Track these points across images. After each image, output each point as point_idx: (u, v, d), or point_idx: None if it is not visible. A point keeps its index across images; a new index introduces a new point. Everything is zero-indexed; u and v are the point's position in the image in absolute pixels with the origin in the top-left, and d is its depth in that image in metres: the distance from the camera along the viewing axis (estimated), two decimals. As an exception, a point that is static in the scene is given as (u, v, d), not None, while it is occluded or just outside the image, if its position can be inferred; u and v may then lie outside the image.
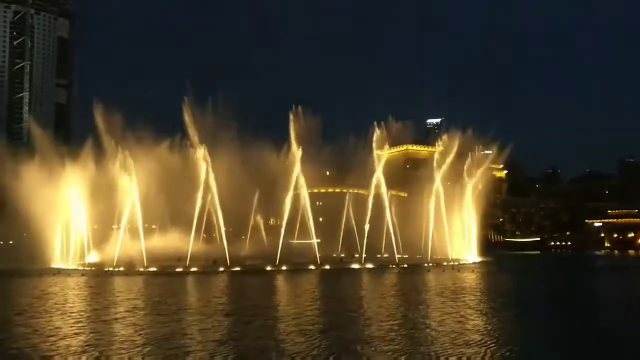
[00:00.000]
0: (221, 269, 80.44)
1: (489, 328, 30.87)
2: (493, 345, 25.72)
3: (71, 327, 31.20)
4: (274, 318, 35.09)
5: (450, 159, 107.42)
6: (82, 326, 31.67)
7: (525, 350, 25.37)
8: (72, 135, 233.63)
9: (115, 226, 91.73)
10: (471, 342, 26.24)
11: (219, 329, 30.87)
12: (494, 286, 61.37)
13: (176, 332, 29.62)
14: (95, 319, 35.06)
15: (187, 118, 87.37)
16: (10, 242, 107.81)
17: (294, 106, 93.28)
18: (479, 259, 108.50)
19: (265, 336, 28.62)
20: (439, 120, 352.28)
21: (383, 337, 27.78)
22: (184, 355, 23.82)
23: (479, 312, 37.67)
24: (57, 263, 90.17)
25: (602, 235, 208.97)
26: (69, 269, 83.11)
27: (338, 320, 34.17)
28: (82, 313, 37.61)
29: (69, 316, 35.70)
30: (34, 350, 25.15)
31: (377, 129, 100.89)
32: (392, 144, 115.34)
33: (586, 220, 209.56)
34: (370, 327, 31.20)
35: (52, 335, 28.49)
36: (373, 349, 25.02)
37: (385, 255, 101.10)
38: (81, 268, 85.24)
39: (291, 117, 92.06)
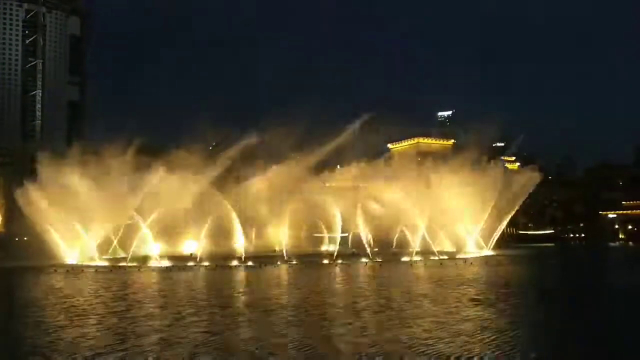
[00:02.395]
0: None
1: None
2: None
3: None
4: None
5: (461, 151, 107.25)
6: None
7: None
8: (86, 131, 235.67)
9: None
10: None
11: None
12: (504, 278, 61.16)
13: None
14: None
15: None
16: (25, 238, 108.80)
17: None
18: (491, 252, 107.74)
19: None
20: (449, 112, 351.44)
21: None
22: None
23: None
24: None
25: (617, 227, 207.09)
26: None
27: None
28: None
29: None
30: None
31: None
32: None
33: (600, 212, 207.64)
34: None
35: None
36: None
37: (398, 249, 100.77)
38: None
39: None
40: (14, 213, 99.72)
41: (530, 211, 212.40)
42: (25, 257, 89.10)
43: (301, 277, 65.68)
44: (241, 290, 52.39)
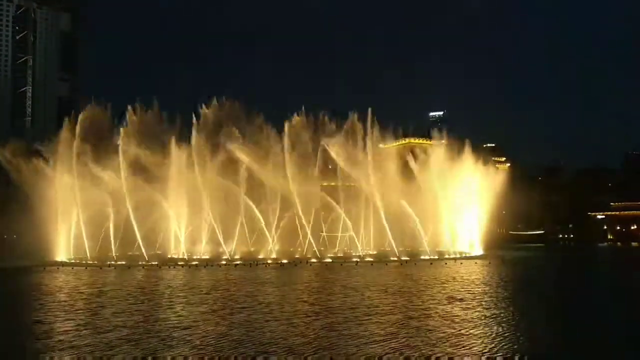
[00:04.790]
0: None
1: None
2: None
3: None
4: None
5: (451, 152, 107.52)
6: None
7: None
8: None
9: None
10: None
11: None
12: (497, 277, 61.68)
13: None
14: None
15: None
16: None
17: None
18: (481, 252, 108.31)
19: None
20: (441, 113, 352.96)
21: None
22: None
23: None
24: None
25: (605, 227, 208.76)
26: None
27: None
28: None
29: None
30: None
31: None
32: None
33: (589, 213, 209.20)
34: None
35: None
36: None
37: (387, 249, 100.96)
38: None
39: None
40: (3, 211, 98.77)
41: (520, 212, 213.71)
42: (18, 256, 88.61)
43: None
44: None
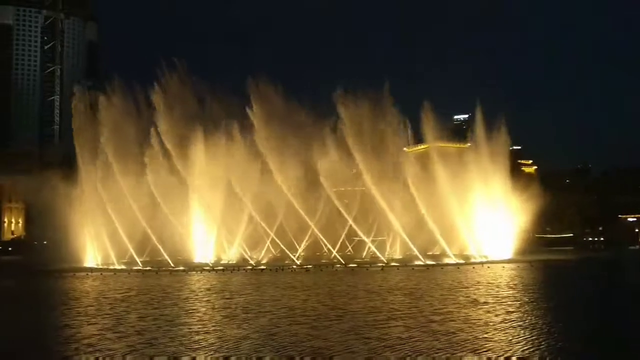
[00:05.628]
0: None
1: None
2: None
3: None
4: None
5: (478, 155, 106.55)
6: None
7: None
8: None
9: None
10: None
11: None
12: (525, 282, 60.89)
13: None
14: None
15: None
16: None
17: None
18: (509, 256, 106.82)
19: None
20: (466, 116, 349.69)
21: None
22: None
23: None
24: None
25: (637, 230, 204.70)
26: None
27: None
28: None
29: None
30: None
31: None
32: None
33: (619, 215, 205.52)
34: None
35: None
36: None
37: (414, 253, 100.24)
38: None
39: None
40: (35, 217, 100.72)
41: (549, 215, 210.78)
42: (51, 261, 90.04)
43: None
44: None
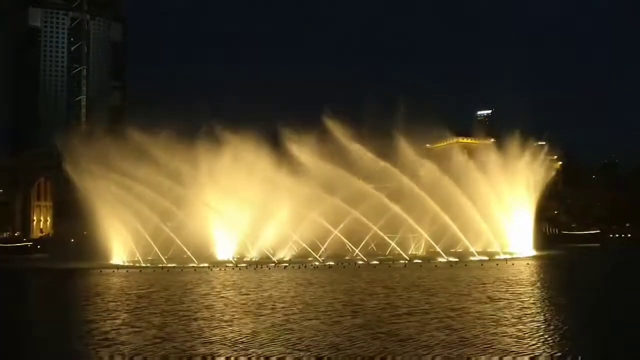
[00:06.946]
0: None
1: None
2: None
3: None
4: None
5: (503, 150, 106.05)
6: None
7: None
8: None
9: None
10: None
11: None
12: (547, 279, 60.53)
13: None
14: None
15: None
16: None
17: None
18: (534, 253, 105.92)
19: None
20: (489, 111, 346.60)
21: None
22: None
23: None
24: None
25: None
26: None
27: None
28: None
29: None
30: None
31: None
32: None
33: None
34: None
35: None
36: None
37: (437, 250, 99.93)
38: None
39: None
40: (63, 215, 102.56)
41: (574, 211, 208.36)
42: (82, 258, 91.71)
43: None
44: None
